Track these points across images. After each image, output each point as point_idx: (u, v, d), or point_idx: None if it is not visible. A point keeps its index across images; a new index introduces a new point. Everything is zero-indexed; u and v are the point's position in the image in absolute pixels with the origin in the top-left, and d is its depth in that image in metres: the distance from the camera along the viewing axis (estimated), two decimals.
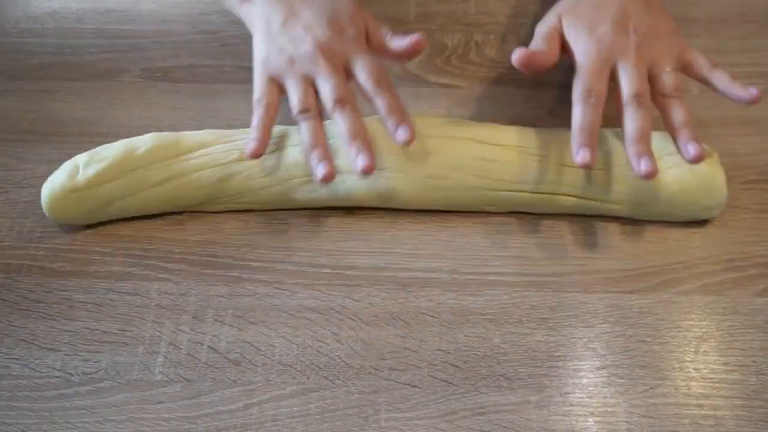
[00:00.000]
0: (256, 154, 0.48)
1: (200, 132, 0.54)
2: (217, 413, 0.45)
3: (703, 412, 0.45)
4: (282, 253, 0.52)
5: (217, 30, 0.67)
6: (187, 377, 0.47)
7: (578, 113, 0.47)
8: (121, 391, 0.46)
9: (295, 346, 0.48)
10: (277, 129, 0.53)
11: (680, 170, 0.50)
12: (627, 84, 0.48)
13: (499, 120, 0.60)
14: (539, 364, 0.47)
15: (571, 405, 0.45)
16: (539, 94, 0.61)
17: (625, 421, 0.45)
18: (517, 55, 0.48)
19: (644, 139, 0.46)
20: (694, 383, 0.46)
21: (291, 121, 0.52)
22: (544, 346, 0.48)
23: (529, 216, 0.54)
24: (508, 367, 0.47)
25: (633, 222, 0.53)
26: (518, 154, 0.52)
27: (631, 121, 0.47)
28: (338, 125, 0.48)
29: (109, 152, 0.52)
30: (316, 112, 0.49)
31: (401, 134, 0.47)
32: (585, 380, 0.46)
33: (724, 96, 0.49)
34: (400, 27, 0.67)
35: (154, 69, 0.64)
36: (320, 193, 0.52)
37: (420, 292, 0.50)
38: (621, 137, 0.49)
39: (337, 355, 0.47)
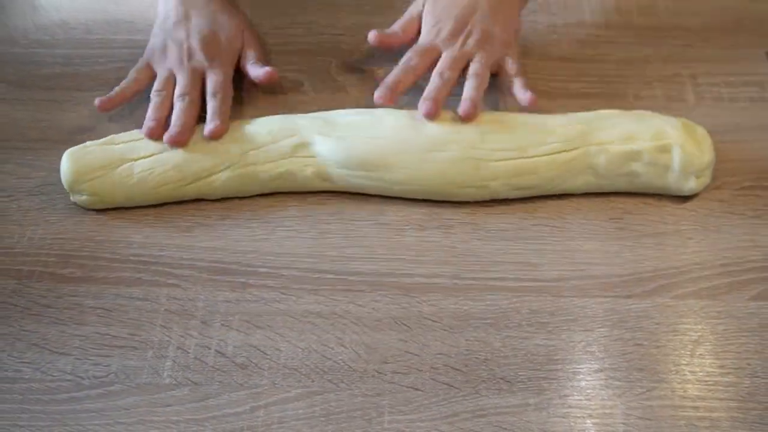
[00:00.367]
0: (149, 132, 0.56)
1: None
2: (225, 416, 0.46)
3: (699, 414, 0.46)
4: (287, 259, 0.53)
5: None
6: (195, 380, 0.48)
7: (392, 73, 0.58)
8: (130, 394, 0.47)
9: (300, 350, 0.49)
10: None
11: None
12: (439, 64, 0.58)
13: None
14: (539, 368, 0.48)
15: (570, 407, 0.46)
16: (538, 103, 0.62)
17: (623, 423, 0.46)
18: (371, 36, 0.60)
19: (433, 97, 0.55)
20: (690, 386, 0.47)
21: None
22: (544, 349, 0.49)
23: (528, 221, 0.55)
24: (508, 370, 0.48)
25: (631, 228, 0.54)
26: (516, 123, 0.56)
27: (429, 84, 0.57)
28: (174, 111, 0.57)
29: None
30: (167, 97, 0.58)
31: (208, 127, 0.56)
32: (583, 383, 0.47)
33: (514, 96, 0.58)
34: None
35: None
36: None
37: (422, 297, 0.51)
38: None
39: (341, 359, 0.48)
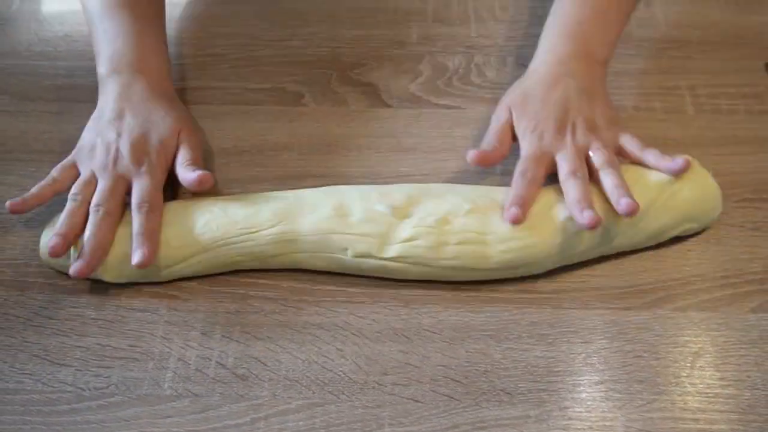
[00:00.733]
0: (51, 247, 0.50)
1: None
2: (225, 427, 0.46)
3: (699, 426, 0.46)
4: (287, 271, 0.54)
5: (224, 53, 0.69)
6: (195, 392, 0.48)
7: (514, 186, 0.52)
8: (131, 405, 0.47)
9: (300, 361, 0.49)
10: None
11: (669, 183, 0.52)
12: (563, 167, 0.52)
13: None
14: (539, 379, 0.48)
15: (570, 419, 0.46)
16: None
17: None
18: (471, 156, 0.53)
19: (585, 200, 0.50)
20: (690, 398, 0.47)
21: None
22: (544, 361, 0.49)
23: None
24: (509, 382, 0.48)
25: None
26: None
27: (570, 190, 0.51)
28: (87, 225, 0.52)
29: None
30: (84, 202, 0.53)
31: (135, 255, 0.50)
32: (584, 395, 0.47)
33: (658, 170, 0.53)
34: (403, 49, 0.69)
35: None
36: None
37: (422, 309, 0.51)
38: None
39: (341, 371, 0.49)
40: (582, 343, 0.49)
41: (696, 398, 0.47)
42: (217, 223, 0.52)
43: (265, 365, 0.49)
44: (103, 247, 0.51)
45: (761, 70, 0.65)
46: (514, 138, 0.56)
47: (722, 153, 0.59)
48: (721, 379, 0.48)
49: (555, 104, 0.55)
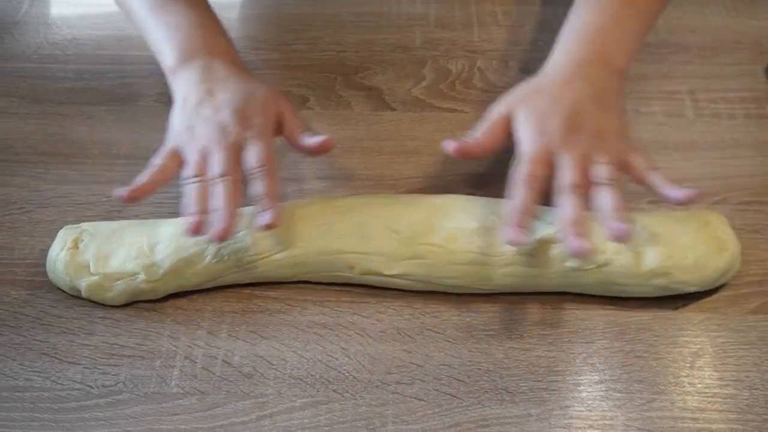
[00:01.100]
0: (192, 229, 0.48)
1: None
2: (231, 424, 0.47)
3: (698, 425, 0.46)
4: None
5: None
6: (202, 390, 0.48)
7: (516, 197, 0.48)
8: (138, 403, 0.48)
9: (305, 360, 0.50)
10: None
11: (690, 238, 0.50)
12: (563, 176, 0.49)
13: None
14: (540, 379, 0.48)
15: (571, 418, 0.47)
16: None
17: None
18: (450, 146, 0.50)
19: (579, 223, 0.46)
20: (689, 397, 0.47)
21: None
22: (545, 361, 0.49)
23: None
24: (510, 381, 0.48)
25: None
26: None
27: (565, 207, 0.47)
28: (215, 197, 0.49)
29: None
30: (203, 181, 0.50)
31: (264, 218, 0.48)
32: (584, 394, 0.48)
33: (659, 196, 0.49)
34: (406, 53, 0.70)
35: (170, 94, 0.66)
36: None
37: (425, 309, 0.52)
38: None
39: (345, 370, 0.49)
40: (583, 343, 0.50)
41: (695, 398, 0.47)
42: (228, 250, 0.52)
43: (271, 364, 0.50)
44: (235, 216, 0.49)
45: (760, 75, 0.66)
46: (508, 137, 0.52)
47: (722, 156, 0.60)
48: (720, 379, 0.48)
49: (564, 105, 0.51)
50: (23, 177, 0.61)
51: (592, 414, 0.47)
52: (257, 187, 0.49)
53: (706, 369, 0.49)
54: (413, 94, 0.66)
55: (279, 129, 0.54)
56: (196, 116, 0.53)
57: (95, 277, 0.51)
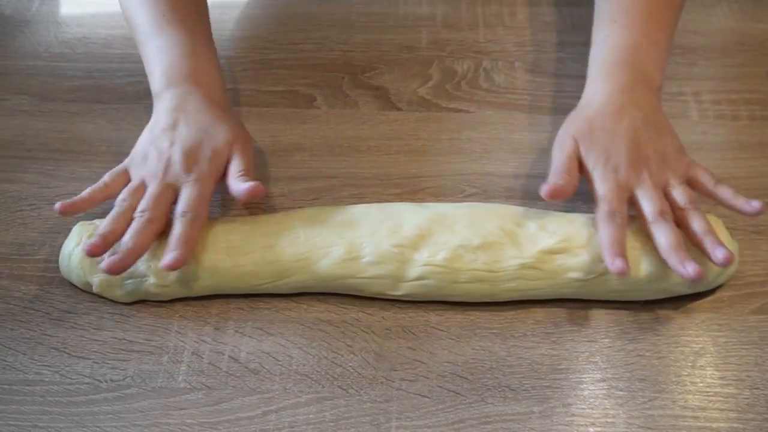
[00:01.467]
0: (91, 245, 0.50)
1: None
2: (237, 419, 0.47)
3: (699, 424, 0.47)
4: None
5: (237, 56, 0.70)
6: (208, 385, 0.49)
7: (607, 232, 0.49)
8: (146, 397, 0.49)
9: (311, 356, 0.50)
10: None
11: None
12: (648, 206, 0.50)
13: (505, 143, 0.63)
14: (543, 377, 0.49)
15: (573, 415, 0.47)
16: (544, 119, 0.64)
17: None
18: (545, 191, 0.51)
19: (680, 248, 0.48)
20: (690, 396, 0.48)
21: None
22: (548, 359, 0.50)
23: None
24: (513, 378, 0.49)
25: None
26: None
27: (662, 236, 0.49)
28: (129, 229, 0.51)
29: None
30: (130, 209, 0.52)
31: (166, 259, 0.49)
32: (586, 392, 0.48)
33: (730, 209, 0.51)
34: (413, 54, 0.70)
35: None
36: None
37: (429, 306, 0.53)
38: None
39: (351, 366, 0.50)
40: (585, 341, 0.51)
41: (696, 397, 0.48)
42: (237, 272, 0.52)
43: (277, 360, 0.50)
44: (138, 252, 0.50)
45: (764, 77, 0.66)
46: (581, 169, 0.53)
47: (725, 158, 0.61)
48: (722, 378, 0.49)
49: (624, 136, 0.53)
50: (34, 174, 0.61)
51: (594, 412, 0.47)
52: (175, 229, 0.51)
53: (707, 368, 0.49)
54: (419, 94, 0.67)
55: (225, 174, 0.55)
56: (154, 145, 0.55)
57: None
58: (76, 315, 0.53)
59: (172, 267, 0.49)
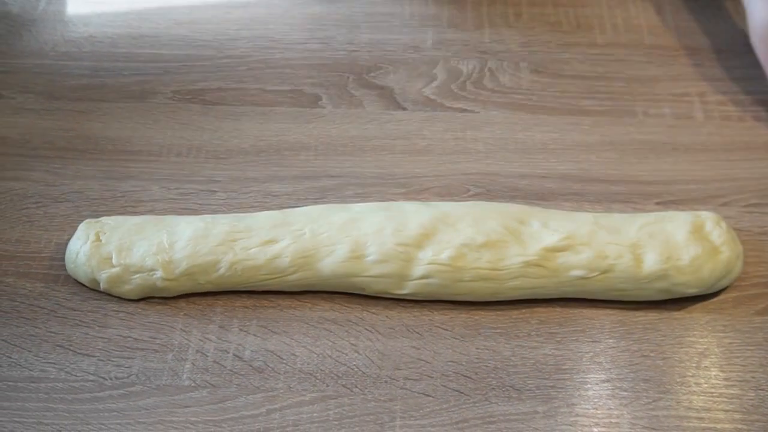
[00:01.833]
0: None
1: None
2: (241, 417, 0.48)
3: (703, 425, 0.47)
4: None
5: (244, 55, 0.71)
6: (213, 383, 0.49)
7: None
8: (151, 395, 0.49)
9: (315, 355, 0.50)
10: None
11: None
12: None
13: (510, 143, 0.63)
14: (547, 377, 0.49)
15: (577, 416, 0.47)
16: (549, 119, 0.64)
17: None
18: None
19: None
20: (695, 397, 0.48)
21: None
22: (552, 359, 0.50)
23: None
24: (517, 378, 0.49)
25: None
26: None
27: None
28: None
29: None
30: None
31: None
32: (590, 392, 0.48)
33: None
34: (418, 54, 0.71)
35: (185, 91, 0.67)
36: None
37: (434, 306, 0.53)
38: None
39: (355, 365, 0.50)
40: (590, 342, 0.51)
41: (701, 397, 0.48)
42: (242, 267, 0.52)
43: (281, 358, 0.50)
44: None
45: None
46: None
47: (730, 158, 0.60)
48: (726, 379, 0.49)
49: None
50: (40, 172, 0.62)
51: (598, 412, 0.47)
52: None
53: (712, 369, 0.49)
54: (424, 93, 0.67)
55: None
56: None
57: (116, 269, 0.52)
58: (81, 312, 0.53)
59: None
